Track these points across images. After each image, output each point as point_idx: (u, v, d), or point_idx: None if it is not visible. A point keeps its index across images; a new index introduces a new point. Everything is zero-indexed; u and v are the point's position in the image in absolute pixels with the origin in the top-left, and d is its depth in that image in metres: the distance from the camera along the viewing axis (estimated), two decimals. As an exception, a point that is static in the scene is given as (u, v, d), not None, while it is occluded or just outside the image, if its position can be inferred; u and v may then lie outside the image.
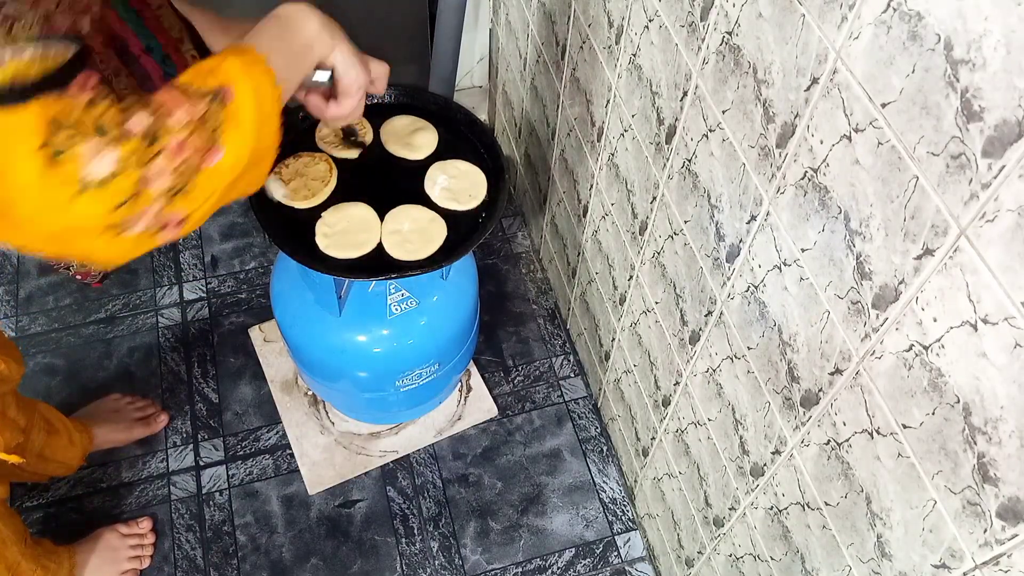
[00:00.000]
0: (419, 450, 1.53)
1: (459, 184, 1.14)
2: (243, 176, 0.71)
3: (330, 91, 0.88)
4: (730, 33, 0.77)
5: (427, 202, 1.13)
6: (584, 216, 1.38)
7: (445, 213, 1.11)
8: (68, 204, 0.60)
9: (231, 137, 0.67)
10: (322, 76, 0.84)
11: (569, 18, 1.23)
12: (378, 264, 1.07)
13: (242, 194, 0.75)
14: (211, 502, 1.46)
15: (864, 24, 0.59)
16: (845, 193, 0.65)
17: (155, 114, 0.64)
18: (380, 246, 1.08)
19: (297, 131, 1.20)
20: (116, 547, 1.36)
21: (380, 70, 0.90)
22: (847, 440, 0.74)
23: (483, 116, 1.98)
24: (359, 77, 0.85)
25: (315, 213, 1.10)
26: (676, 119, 0.94)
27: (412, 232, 1.09)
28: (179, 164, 0.64)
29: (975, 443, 0.57)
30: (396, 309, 1.24)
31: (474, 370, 1.62)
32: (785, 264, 0.77)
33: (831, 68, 0.64)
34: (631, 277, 1.21)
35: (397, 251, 1.07)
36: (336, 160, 1.15)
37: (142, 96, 0.65)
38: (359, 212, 1.10)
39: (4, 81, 0.57)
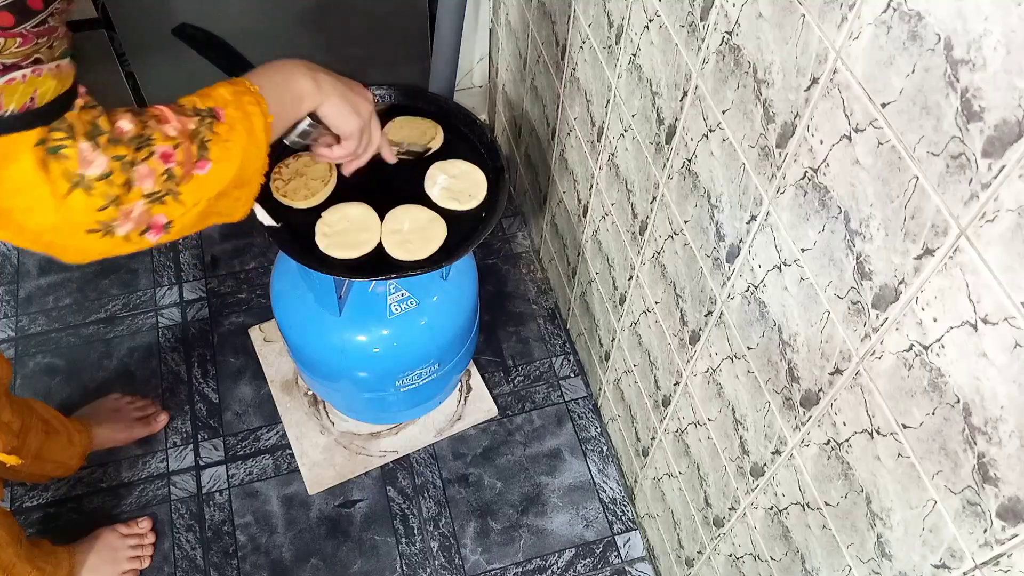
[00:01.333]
0: (419, 450, 1.53)
1: (459, 184, 1.14)
2: (229, 193, 0.73)
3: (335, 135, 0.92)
4: (730, 33, 0.77)
5: (427, 202, 1.13)
6: (584, 216, 1.38)
7: (445, 213, 1.11)
8: (60, 201, 0.61)
9: (218, 153, 0.70)
10: (306, 124, 0.87)
11: (569, 18, 1.23)
12: (378, 264, 1.07)
13: (227, 216, 0.77)
14: (211, 502, 1.46)
15: (864, 24, 0.59)
16: (845, 193, 0.65)
17: (147, 122, 0.66)
18: (380, 246, 1.08)
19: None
20: (116, 547, 1.36)
21: (366, 108, 0.93)
22: (847, 440, 0.74)
23: (483, 116, 1.98)
24: (350, 123, 0.89)
25: (315, 213, 1.10)
26: (676, 119, 0.94)
27: (412, 232, 1.09)
28: (165, 171, 0.66)
29: (975, 443, 0.57)
30: (396, 309, 1.24)
31: (474, 370, 1.62)
32: (785, 264, 0.77)
33: (831, 68, 0.64)
34: (631, 277, 1.21)
35: (397, 251, 1.07)
36: (336, 160, 1.15)
37: (134, 108, 0.67)
38: (359, 212, 1.10)
39: (43, 98, 0.60)
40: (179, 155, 0.67)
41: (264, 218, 0.96)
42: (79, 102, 0.64)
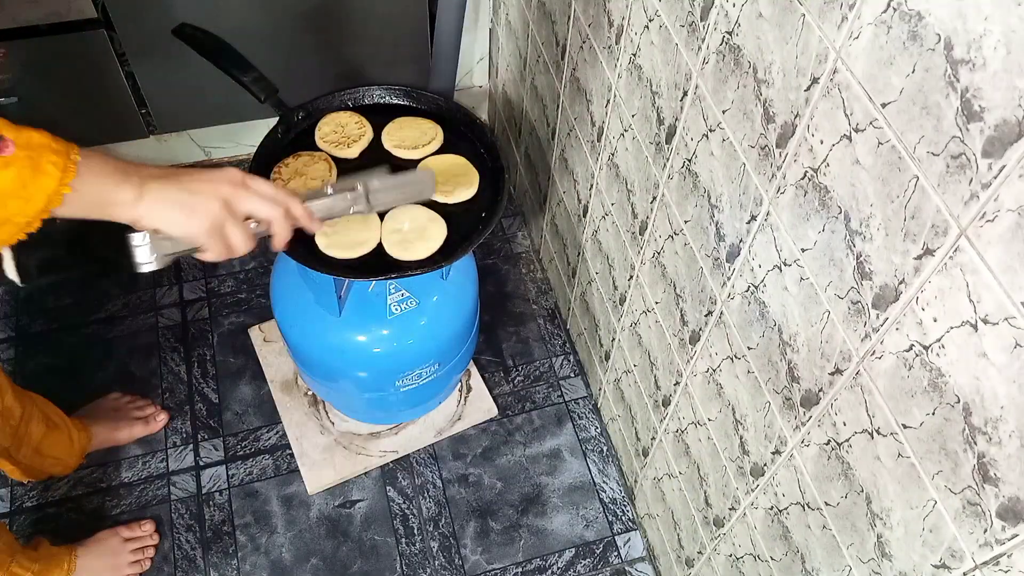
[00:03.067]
0: (419, 450, 1.53)
1: (448, 178, 1.14)
2: None
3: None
4: (730, 33, 0.77)
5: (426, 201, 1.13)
6: (584, 216, 1.38)
7: (445, 212, 1.11)
8: None
9: None
10: (142, 240, 0.79)
11: (569, 18, 1.23)
12: (378, 264, 1.07)
13: None
14: (211, 502, 1.46)
15: (864, 24, 0.59)
16: (845, 193, 0.65)
17: None
18: (380, 246, 1.08)
19: (297, 130, 1.20)
20: (117, 550, 1.36)
21: (211, 207, 0.79)
22: (847, 440, 0.74)
23: (483, 116, 1.98)
24: (187, 228, 0.78)
25: (315, 213, 1.10)
26: (676, 119, 0.94)
27: (412, 231, 1.09)
28: None
29: (975, 443, 0.57)
30: (396, 309, 1.24)
31: (474, 370, 1.62)
32: (785, 264, 0.77)
33: (831, 68, 0.64)
34: (631, 277, 1.21)
35: (397, 250, 1.07)
36: (336, 160, 1.15)
37: None
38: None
39: None
40: None
41: (10, 271, 0.83)
42: None
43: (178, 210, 0.76)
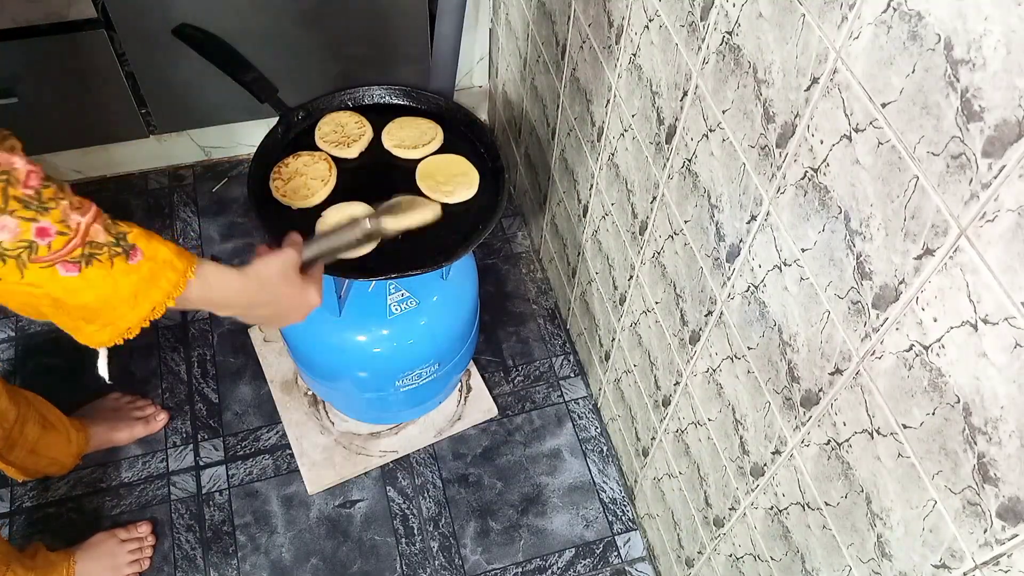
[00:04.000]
0: (419, 450, 1.53)
1: (446, 178, 1.15)
2: (70, 312, 0.68)
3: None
4: (730, 33, 0.77)
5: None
6: (584, 216, 1.38)
7: (446, 212, 1.11)
8: None
9: (93, 276, 0.65)
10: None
11: (569, 18, 1.23)
12: (378, 264, 1.07)
13: (67, 327, 0.71)
14: (211, 502, 1.46)
15: (864, 24, 0.59)
16: (845, 193, 0.65)
17: (58, 195, 0.62)
18: (380, 245, 1.08)
19: (297, 130, 1.21)
20: (115, 553, 1.35)
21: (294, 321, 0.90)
22: (847, 440, 0.74)
23: (483, 116, 1.98)
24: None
25: (315, 213, 1.10)
26: (676, 119, 0.94)
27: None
28: (30, 243, 0.61)
29: (975, 443, 0.57)
30: (396, 309, 1.24)
31: (474, 370, 1.62)
32: (785, 264, 0.77)
33: (831, 68, 0.64)
34: (631, 277, 1.21)
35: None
36: (336, 160, 1.15)
37: (64, 188, 0.63)
38: (359, 212, 1.10)
39: None
40: (57, 243, 0.61)
41: (103, 369, 0.86)
42: None
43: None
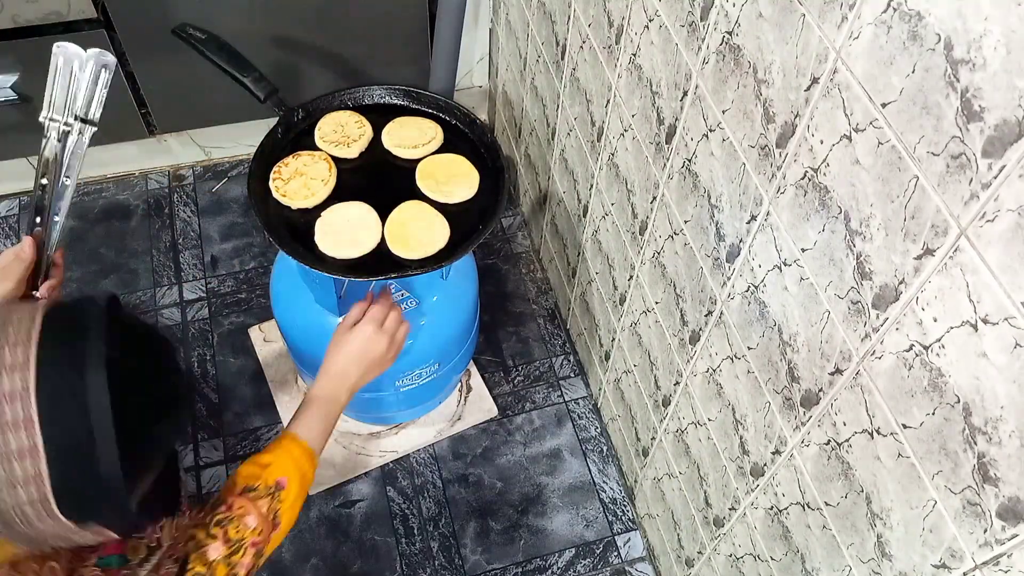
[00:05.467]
0: (419, 450, 1.53)
1: (446, 178, 1.14)
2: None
3: None
4: (730, 33, 0.77)
5: (425, 199, 1.13)
6: (584, 216, 1.38)
7: (446, 212, 1.11)
8: None
9: (286, 516, 0.87)
10: None
11: (569, 18, 1.23)
12: (378, 263, 1.07)
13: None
14: (211, 502, 1.46)
15: (864, 24, 0.59)
16: (845, 193, 0.65)
17: (235, 527, 0.81)
18: (380, 245, 1.08)
19: (297, 130, 1.20)
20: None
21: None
22: (847, 440, 0.74)
23: (483, 116, 1.98)
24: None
25: (315, 213, 1.10)
26: (676, 119, 0.94)
27: (416, 229, 1.09)
28: (256, 552, 0.82)
29: (975, 443, 0.57)
30: (396, 309, 1.24)
31: (474, 370, 1.62)
32: (785, 264, 0.77)
33: (831, 68, 0.64)
34: (631, 277, 1.21)
35: (399, 248, 1.07)
36: (336, 159, 1.15)
37: (219, 511, 0.82)
38: (359, 211, 1.10)
39: None
40: (262, 536, 0.83)
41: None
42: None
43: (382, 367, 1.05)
